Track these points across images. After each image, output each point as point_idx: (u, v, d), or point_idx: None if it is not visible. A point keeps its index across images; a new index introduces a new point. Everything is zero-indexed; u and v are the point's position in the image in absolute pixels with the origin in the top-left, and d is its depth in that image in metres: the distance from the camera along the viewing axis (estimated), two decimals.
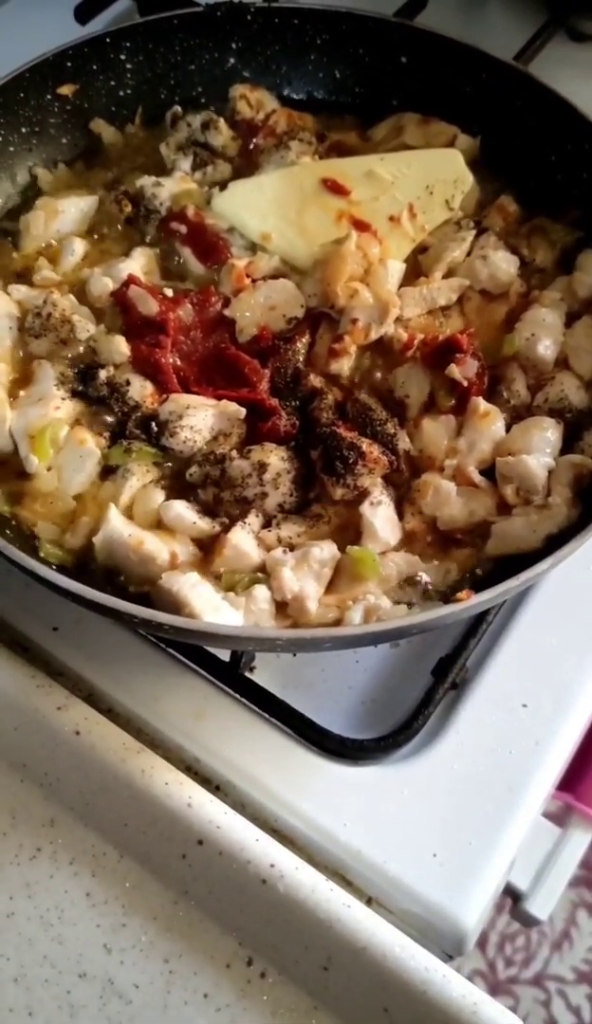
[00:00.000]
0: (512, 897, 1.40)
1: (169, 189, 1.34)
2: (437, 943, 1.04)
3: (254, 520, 1.10)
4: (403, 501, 1.13)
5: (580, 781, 1.55)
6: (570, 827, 1.46)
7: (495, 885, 1.06)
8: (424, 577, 1.09)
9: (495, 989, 2.59)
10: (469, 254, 1.28)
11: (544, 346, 1.20)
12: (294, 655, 1.18)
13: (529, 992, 2.58)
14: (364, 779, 1.09)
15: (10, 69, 1.32)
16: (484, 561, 1.10)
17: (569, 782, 1.53)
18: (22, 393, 1.18)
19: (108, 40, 1.39)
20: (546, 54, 1.66)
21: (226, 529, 1.08)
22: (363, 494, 1.11)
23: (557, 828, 1.43)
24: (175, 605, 1.00)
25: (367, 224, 1.28)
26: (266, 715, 1.12)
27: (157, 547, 1.05)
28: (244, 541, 1.07)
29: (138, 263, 1.27)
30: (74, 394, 1.18)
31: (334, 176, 1.32)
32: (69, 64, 1.37)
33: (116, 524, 1.06)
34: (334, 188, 1.31)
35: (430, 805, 1.07)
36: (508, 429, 1.15)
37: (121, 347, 1.19)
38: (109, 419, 1.17)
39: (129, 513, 1.10)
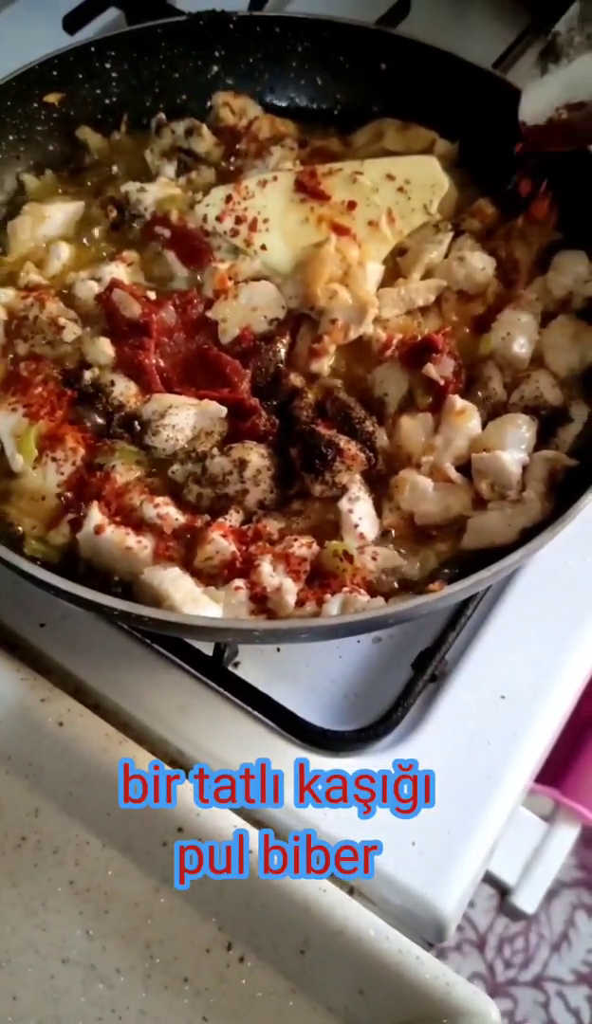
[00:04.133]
0: (500, 891, 1.42)
1: (153, 194, 1.36)
2: (417, 931, 1.05)
3: (235, 516, 1.12)
4: (381, 497, 1.15)
5: (566, 776, 1.57)
6: (556, 822, 1.48)
7: (474, 873, 1.08)
8: (402, 571, 1.11)
9: (494, 991, 2.59)
10: (447, 256, 1.31)
11: (519, 345, 1.22)
12: (278, 650, 1.20)
13: (528, 994, 2.59)
14: (345, 770, 1.11)
15: None
16: (461, 555, 1.12)
17: (555, 777, 1.55)
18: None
19: (93, 49, 1.42)
20: (526, 60, 1.68)
21: (207, 525, 1.10)
22: (342, 490, 1.13)
23: (544, 823, 1.45)
24: (156, 598, 1.03)
25: (346, 228, 1.30)
26: (249, 708, 1.14)
27: (139, 543, 1.08)
28: None
29: (122, 267, 1.30)
30: (59, 395, 1.20)
31: (314, 182, 1.34)
32: (55, 73, 1.39)
33: (99, 521, 1.08)
34: (314, 193, 1.33)
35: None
36: (484, 426, 1.17)
37: (106, 349, 1.22)
38: (94, 419, 1.19)
39: (113, 510, 1.12)
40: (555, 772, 1.56)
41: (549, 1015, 2.56)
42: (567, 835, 1.48)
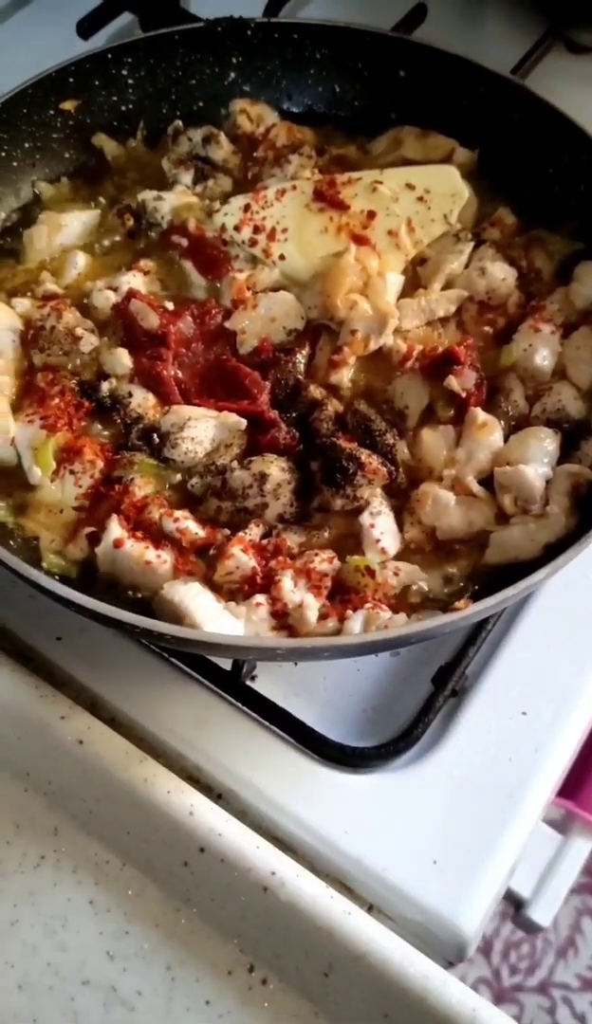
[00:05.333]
0: (514, 904, 1.40)
1: (170, 203, 1.35)
2: (437, 950, 1.04)
3: (255, 530, 1.11)
4: (402, 511, 1.14)
5: (581, 788, 1.56)
6: (572, 834, 1.46)
7: (495, 892, 1.07)
8: (423, 586, 1.10)
9: (500, 997, 2.59)
10: (467, 266, 1.29)
11: (542, 357, 1.21)
12: (295, 664, 1.19)
13: (534, 1000, 2.58)
14: (364, 787, 1.10)
15: (13, 85, 1.34)
16: (483, 570, 1.11)
17: (570, 789, 1.54)
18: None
19: (110, 56, 1.41)
20: (544, 66, 1.67)
21: (227, 540, 1.09)
22: (363, 504, 1.12)
23: (558, 835, 1.44)
24: (177, 615, 1.01)
25: (366, 238, 1.29)
26: (267, 723, 1.13)
27: (159, 557, 1.07)
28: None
29: (139, 276, 1.29)
30: (77, 407, 1.19)
31: (333, 191, 1.33)
32: (71, 80, 1.38)
33: (118, 535, 1.07)
34: (333, 202, 1.32)
35: (430, 812, 1.08)
36: (506, 439, 1.16)
37: (123, 360, 1.21)
38: (111, 431, 1.18)
39: (132, 524, 1.11)
40: (569, 783, 1.54)
41: (555, 1021, 2.56)
42: (582, 848, 1.46)
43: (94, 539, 1.09)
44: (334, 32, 1.46)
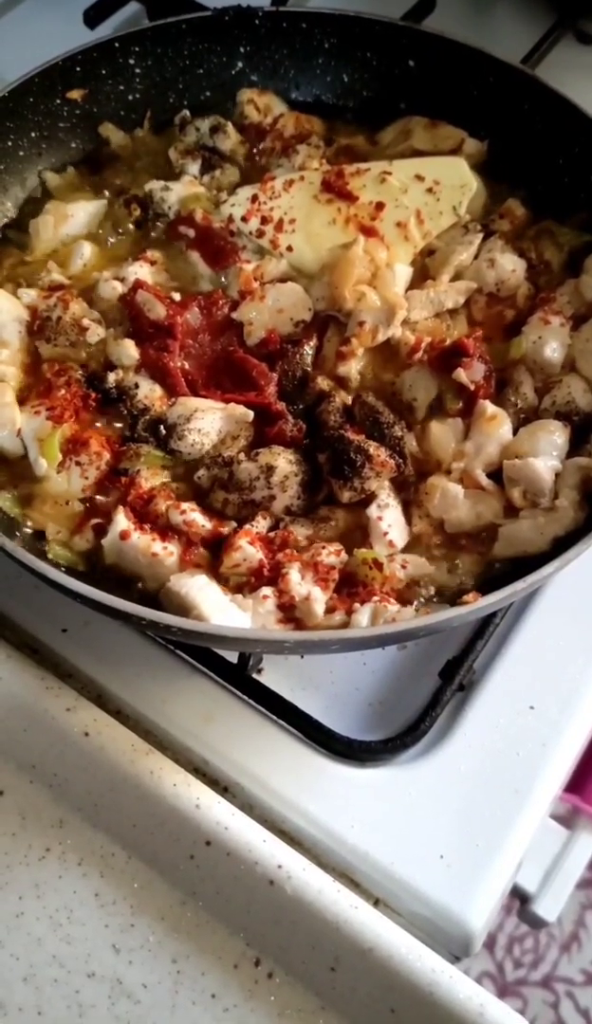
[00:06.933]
0: (520, 899, 1.40)
1: (177, 193, 1.35)
2: (444, 944, 1.04)
3: (262, 523, 1.10)
4: (410, 504, 1.14)
5: (588, 783, 1.55)
6: (577, 829, 1.46)
7: (502, 887, 1.07)
8: (431, 579, 1.09)
9: (503, 991, 2.58)
10: (476, 257, 1.29)
11: (551, 349, 1.20)
12: (302, 657, 1.19)
13: (537, 994, 2.58)
14: (371, 781, 1.09)
15: (20, 74, 1.33)
16: (491, 563, 1.11)
17: (576, 784, 1.53)
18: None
19: (117, 45, 1.40)
20: (554, 56, 1.66)
21: (234, 532, 1.09)
22: (370, 497, 1.12)
23: (564, 830, 1.43)
24: (183, 607, 1.01)
25: (374, 229, 1.28)
26: (274, 717, 1.13)
27: (165, 549, 1.06)
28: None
29: (146, 267, 1.28)
30: (83, 398, 1.18)
31: (342, 182, 1.32)
32: (78, 69, 1.37)
33: (125, 527, 1.07)
34: (342, 193, 1.31)
35: (437, 807, 1.08)
36: (515, 432, 1.15)
37: (130, 351, 1.20)
38: (118, 422, 1.18)
39: (138, 516, 1.10)
40: (575, 778, 1.54)
41: (558, 1015, 2.56)
42: (588, 843, 1.46)
43: (100, 531, 1.09)
44: (343, 21, 1.45)
